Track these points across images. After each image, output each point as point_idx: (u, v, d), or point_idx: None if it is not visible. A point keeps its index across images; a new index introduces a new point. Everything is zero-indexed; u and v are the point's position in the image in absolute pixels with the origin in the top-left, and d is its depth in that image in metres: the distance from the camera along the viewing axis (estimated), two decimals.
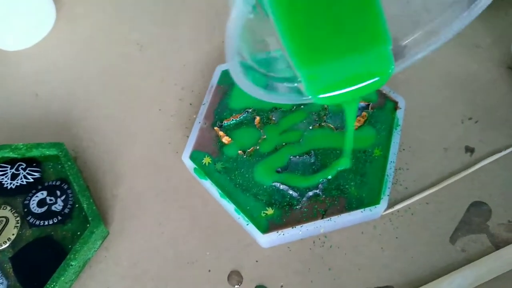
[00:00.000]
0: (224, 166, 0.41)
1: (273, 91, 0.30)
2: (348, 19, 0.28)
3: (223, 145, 0.42)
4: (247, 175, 0.40)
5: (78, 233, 0.40)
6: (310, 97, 0.30)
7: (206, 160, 0.41)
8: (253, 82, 0.29)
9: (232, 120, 0.43)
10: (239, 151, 0.41)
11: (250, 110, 0.43)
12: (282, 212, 0.38)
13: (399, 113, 0.42)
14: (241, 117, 0.43)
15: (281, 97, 0.31)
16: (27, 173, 0.43)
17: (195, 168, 0.41)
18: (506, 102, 0.45)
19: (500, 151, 0.42)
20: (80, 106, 0.48)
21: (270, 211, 0.38)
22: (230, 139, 0.42)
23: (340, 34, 0.28)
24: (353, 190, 0.39)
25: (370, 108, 0.42)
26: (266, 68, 0.30)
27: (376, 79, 0.29)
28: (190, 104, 0.48)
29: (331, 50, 0.29)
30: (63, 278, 0.37)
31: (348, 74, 0.29)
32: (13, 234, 0.40)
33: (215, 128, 0.42)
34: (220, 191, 0.39)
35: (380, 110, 0.42)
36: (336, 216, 0.38)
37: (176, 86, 0.49)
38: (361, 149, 0.40)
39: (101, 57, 0.52)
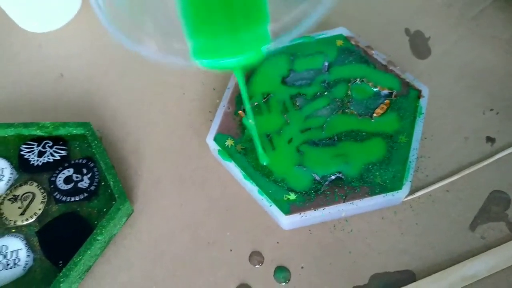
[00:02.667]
0: (244, 147, 0.41)
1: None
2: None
3: (245, 128, 0.42)
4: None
5: (104, 210, 0.41)
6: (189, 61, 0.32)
7: (229, 142, 0.42)
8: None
9: (256, 104, 0.44)
10: (264, 134, 0.42)
11: (274, 96, 0.44)
12: (305, 199, 0.39)
13: (423, 102, 0.42)
14: (265, 102, 0.44)
15: (150, 53, 0.33)
16: (54, 151, 0.43)
17: (219, 150, 0.41)
18: None
19: None
20: (105, 89, 0.49)
21: (292, 196, 0.39)
22: (253, 123, 0.43)
23: (228, 10, 0.31)
24: (377, 179, 0.39)
25: (393, 96, 0.43)
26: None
27: (254, 52, 0.32)
28: (214, 89, 0.48)
29: (219, 24, 0.32)
30: (89, 252, 0.37)
31: (230, 47, 0.32)
32: (39, 209, 0.41)
33: (240, 112, 0.43)
34: (243, 173, 0.40)
35: (403, 98, 0.42)
36: (358, 200, 0.38)
37: (199, 71, 0.50)
38: (387, 134, 0.41)
39: None
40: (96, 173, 0.42)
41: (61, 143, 0.44)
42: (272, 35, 0.31)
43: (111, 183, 0.40)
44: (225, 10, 0.31)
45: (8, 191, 0.41)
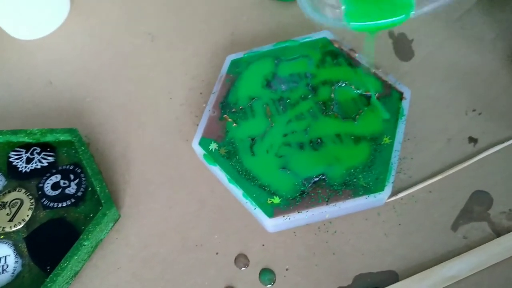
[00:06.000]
0: (227, 150, 0.42)
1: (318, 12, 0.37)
2: None
3: (228, 131, 0.43)
4: (248, 163, 0.41)
5: (91, 215, 0.41)
6: (347, 23, 0.36)
7: (213, 146, 0.42)
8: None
9: (241, 108, 0.44)
10: (248, 138, 0.42)
11: (258, 100, 0.44)
12: (289, 202, 0.39)
13: (404, 103, 0.42)
14: (249, 106, 0.44)
15: (323, 19, 0.37)
16: (42, 157, 0.44)
17: (204, 155, 0.42)
18: (510, 95, 0.46)
19: (502, 142, 0.43)
20: (93, 95, 0.50)
21: (276, 199, 0.39)
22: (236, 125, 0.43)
23: None
24: (361, 181, 0.40)
25: (376, 98, 0.43)
26: None
27: (398, 18, 0.35)
28: (200, 93, 0.49)
29: None
30: (76, 257, 0.38)
31: (377, 12, 0.36)
32: (27, 216, 0.41)
33: (225, 116, 0.44)
34: (228, 177, 0.41)
35: (386, 100, 0.43)
36: (341, 202, 0.39)
37: (187, 76, 0.50)
38: (370, 136, 0.41)
39: (114, 48, 0.53)
40: (83, 179, 0.43)
41: (49, 149, 0.44)
42: (417, 3, 0.35)
43: (98, 188, 0.41)
44: None
45: None
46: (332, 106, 0.43)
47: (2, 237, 0.41)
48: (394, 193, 0.41)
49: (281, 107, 0.44)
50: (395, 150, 0.40)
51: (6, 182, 0.43)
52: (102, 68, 0.52)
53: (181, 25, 0.54)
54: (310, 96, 0.44)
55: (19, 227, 0.41)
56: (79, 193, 0.42)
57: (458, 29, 0.50)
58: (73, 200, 0.42)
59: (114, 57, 0.52)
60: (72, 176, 0.43)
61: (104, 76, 0.51)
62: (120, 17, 0.55)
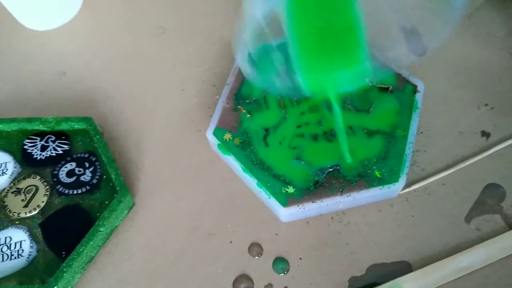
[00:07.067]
0: (241, 141, 0.42)
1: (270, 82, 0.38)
2: (337, 42, 0.35)
3: (242, 122, 0.43)
4: (262, 153, 0.42)
5: (106, 202, 0.41)
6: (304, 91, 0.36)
7: (227, 136, 0.42)
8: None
9: (255, 100, 0.44)
10: (262, 128, 0.43)
11: (272, 91, 0.45)
12: (303, 192, 0.39)
13: (418, 97, 0.43)
14: (263, 97, 0.44)
15: (276, 89, 0.39)
16: (56, 145, 0.44)
17: (219, 144, 0.42)
18: None
19: None
20: (106, 85, 0.50)
21: (290, 189, 0.40)
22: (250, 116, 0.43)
23: (331, 53, 0.35)
24: (375, 173, 0.40)
25: (389, 90, 0.43)
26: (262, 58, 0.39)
27: (353, 85, 0.38)
28: (213, 85, 0.49)
29: (325, 63, 0.36)
30: (91, 243, 0.38)
31: (335, 80, 0.37)
32: (42, 202, 0.41)
33: (239, 106, 0.44)
34: (243, 166, 0.41)
35: (399, 92, 0.43)
36: (355, 192, 0.39)
37: (199, 68, 0.50)
38: (384, 129, 0.42)
39: (126, 39, 0.53)
40: (98, 166, 0.43)
41: (63, 137, 0.45)
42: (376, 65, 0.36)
43: (113, 176, 0.41)
44: (329, 52, 0.35)
45: (12, 184, 0.42)
46: (346, 98, 0.44)
47: (17, 222, 0.41)
48: (407, 185, 0.41)
49: (295, 99, 0.44)
50: (410, 143, 0.41)
51: (21, 169, 0.43)
52: (115, 60, 0.52)
53: (193, 18, 0.54)
54: None
55: (34, 213, 0.41)
56: (94, 181, 0.42)
57: (469, 26, 0.51)
58: (88, 187, 0.42)
59: (127, 49, 0.53)
60: (87, 164, 0.43)
61: (117, 67, 0.51)
62: (132, 10, 0.55)
